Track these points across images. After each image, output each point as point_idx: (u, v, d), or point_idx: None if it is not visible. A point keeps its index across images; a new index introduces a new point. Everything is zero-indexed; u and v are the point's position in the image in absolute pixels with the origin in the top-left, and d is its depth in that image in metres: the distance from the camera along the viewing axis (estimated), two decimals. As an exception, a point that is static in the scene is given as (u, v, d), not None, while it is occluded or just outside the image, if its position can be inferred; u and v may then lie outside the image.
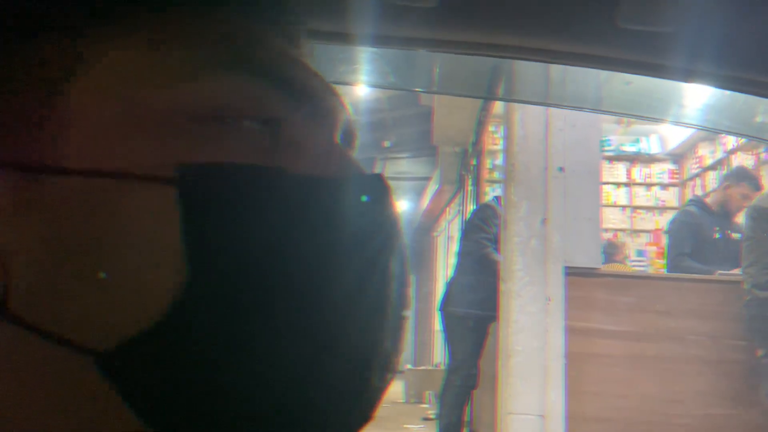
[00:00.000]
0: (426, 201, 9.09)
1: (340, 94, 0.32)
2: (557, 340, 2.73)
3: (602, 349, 2.77)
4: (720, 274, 3.06)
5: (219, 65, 0.28)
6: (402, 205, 10.49)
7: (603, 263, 3.72)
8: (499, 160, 4.85)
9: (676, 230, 3.33)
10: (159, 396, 0.25)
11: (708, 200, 3.39)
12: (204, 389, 0.25)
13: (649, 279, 3.19)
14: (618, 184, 6.61)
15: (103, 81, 0.27)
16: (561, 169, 2.87)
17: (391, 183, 0.30)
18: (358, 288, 0.27)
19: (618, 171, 6.55)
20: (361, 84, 0.83)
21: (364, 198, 0.29)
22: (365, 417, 0.29)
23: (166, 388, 0.25)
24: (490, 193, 4.89)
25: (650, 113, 1.02)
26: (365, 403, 0.28)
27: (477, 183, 5.22)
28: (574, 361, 2.73)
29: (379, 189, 0.29)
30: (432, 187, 8.47)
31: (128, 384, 0.25)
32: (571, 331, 2.74)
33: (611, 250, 3.86)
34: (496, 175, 4.95)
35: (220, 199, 0.26)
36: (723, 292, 2.83)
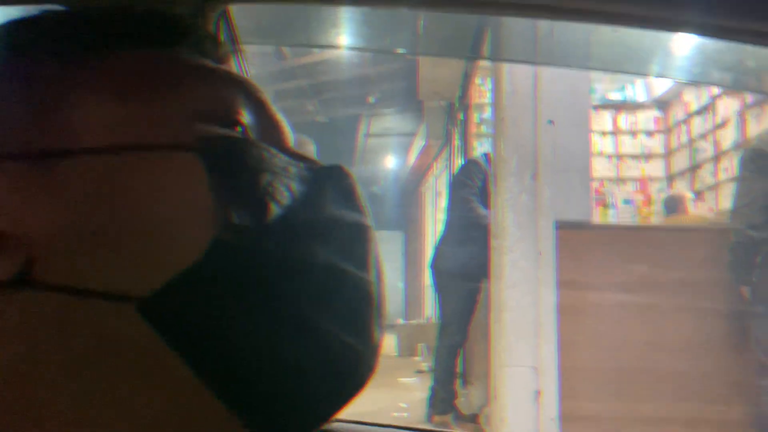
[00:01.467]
0: (413, 157, 9.05)
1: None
2: (549, 294, 2.75)
3: (593, 301, 2.80)
4: (708, 222, 3.09)
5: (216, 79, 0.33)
6: (389, 162, 10.43)
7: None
8: (486, 114, 4.81)
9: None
10: (197, 336, 0.27)
11: None
12: (236, 330, 0.28)
13: (639, 230, 3.22)
14: (604, 133, 6.62)
15: (108, 83, 0.31)
16: (551, 121, 2.85)
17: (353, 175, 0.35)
18: (338, 266, 0.31)
19: (604, 120, 6.56)
20: (342, 47, 0.80)
21: (332, 188, 0.33)
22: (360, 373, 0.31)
23: (203, 328, 0.28)
24: (478, 147, 4.86)
25: (638, 68, 1.00)
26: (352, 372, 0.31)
27: (464, 138, 5.19)
28: (566, 314, 2.77)
29: (343, 177, 0.34)
30: (418, 143, 8.42)
31: (169, 326, 0.27)
32: (562, 285, 2.76)
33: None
34: (483, 129, 4.91)
35: (239, 164, 0.30)
36: (714, 240, 2.87)
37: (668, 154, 6.46)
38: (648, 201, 5.76)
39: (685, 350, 2.79)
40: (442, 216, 5.33)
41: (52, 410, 0.27)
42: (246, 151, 0.30)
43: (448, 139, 6.40)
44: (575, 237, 2.80)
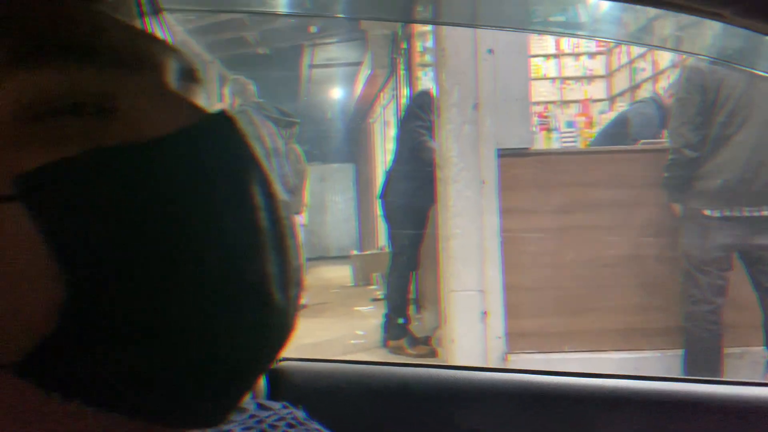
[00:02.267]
0: (359, 87, 8.93)
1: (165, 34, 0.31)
2: (493, 220, 2.85)
3: (534, 225, 2.92)
4: (643, 143, 3.21)
5: (37, 56, 0.26)
6: (335, 93, 10.27)
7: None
8: (429, 42, 4.77)
9: (638, 119, 3.44)
10: (80, 389, 0.26)
11: (664, 100, 3.44)
12: (119, 377, 0.26)
13: (576, 154, 3.32)
14: (547, 56, 6.63)
15: None
16: (490, 51, 2.86)
17: (243, 112, 0.30)
18: (226, 225, 0.27)
19: (546, 43, 6.56)
20: (276, 11, 0.79)
21: (209, 140, 0.28)
22: (272, 341, 0.29)
23: (84, 383, 0.26)
24: (423, 77, 4.85)
25: (580, 30, 1.02)
26: (267, 326, 0.28)
27: (409, 67, 5.15)
28: (509, 238, 2.88)
29: (224, 125, 0.29)
30: (364, 73, 8.29)
31: (48, 381, 0.26)
32: (505, 211, 2.86)
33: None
34: (427, 58, 4.88)
35: (74, 198, 0.25)
36: (647, 162, 2.99)
37: (610, 75, 6.56)
38: (590, 123, 5.88)
39: (621, 265, 2.96)
40: (391, 146, 5.35)
41: None
42: (78, 176, 0.25)
43: (393, 69, 6.33)
44: (516, 164, 2.88)
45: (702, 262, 2.67)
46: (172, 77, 0.31)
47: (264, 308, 0.28)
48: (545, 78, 6.60)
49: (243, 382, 0.29)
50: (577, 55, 6.66)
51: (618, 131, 3.50)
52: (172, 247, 0.26)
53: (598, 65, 6.67)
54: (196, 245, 0.26)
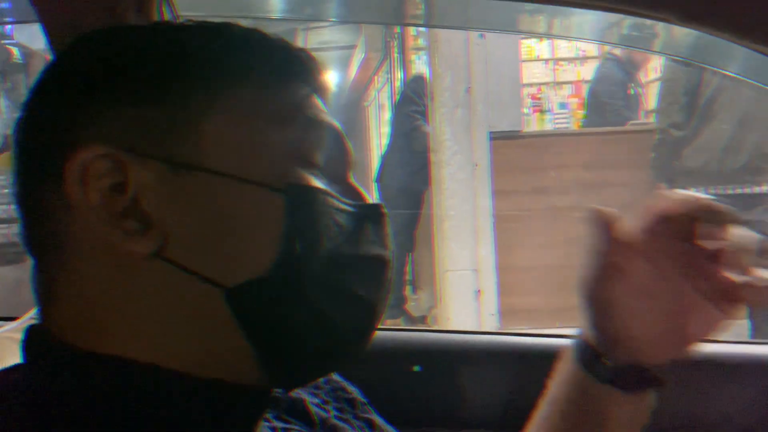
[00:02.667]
0: (353, 70, 8.94)
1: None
2: (485, 202, 2.93)
3: (526, 206, 3.00)
4: (632, 124, 3.29)
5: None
6: (329, 77, 10.27)
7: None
8: (423, 28, 4.80)
9: (605, 86, 3.51)
10: (266, 325, 0.38)
11: (621, 56, 3.52)
12: (294, 321, 0.39)
13: (566, 135, 3.39)
14: (540, 38, 6.65)
15: (235, 119, 0.39)
16: (481, 35, 2.92)
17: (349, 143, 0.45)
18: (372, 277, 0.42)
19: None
20: (271, 17, 0.85)
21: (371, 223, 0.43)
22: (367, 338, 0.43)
23: (271, 320, 0.38)
24: (416, 60, 4.89)
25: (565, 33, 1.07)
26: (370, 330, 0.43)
27: (402, 51, 5.19)
28: (501, 219, 2.96)
29: (380, 213, 0.44)
30: (358, 56, 8.30)
31: (245, 313, 0.38)
32: (498, 193, 2.94)
33: None
34: (421, 41, 4.92)
35: (310, 209, 0.39)
36: (635, 142, 3.06)
37: (602, 56, 6.59)
38: (583, 104, 5.92)
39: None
40: (386, 130, 5.40)
41: (144, 337, 0.38)
42: (317, 199, 0.39)
43: (387, 52, 6.36)
44: (507, 146, 2.95)
45: (688, 239, 2.75)
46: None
47: (370, 317, 0.42)
48: (538, 59, 6.61)
49: (344, 360, 0.43)
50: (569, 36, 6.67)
51: (596, 108, 3.57)
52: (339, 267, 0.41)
53: (591, 46, 6.68)
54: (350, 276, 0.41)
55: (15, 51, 3.63)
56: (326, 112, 0.43)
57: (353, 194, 0.43)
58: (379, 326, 0.44)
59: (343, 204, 0.41)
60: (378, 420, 0.53)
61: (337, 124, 0.44)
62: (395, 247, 0.45)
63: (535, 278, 3.00)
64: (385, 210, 0.44)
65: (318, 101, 0.43)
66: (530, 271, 3.00)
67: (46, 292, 0.40)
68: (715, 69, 0.82)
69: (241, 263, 0.38)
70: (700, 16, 0.54)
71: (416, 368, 0.81)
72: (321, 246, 0.39)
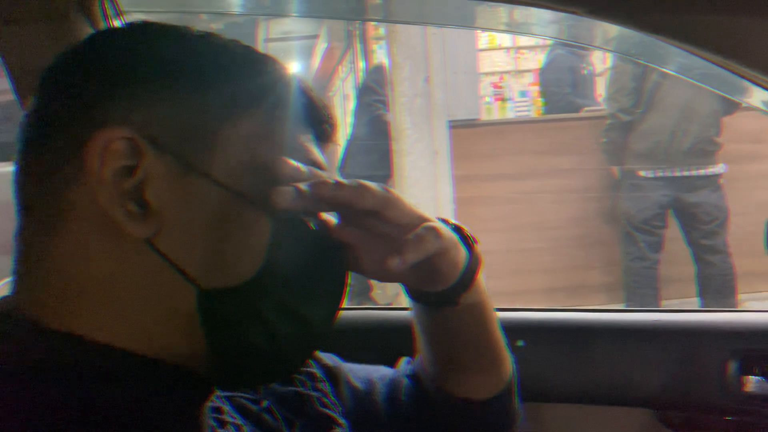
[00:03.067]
0: (317, 60, 8.91)
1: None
2: (446, 189, 3.00)
3: (485, 192, 3.08)
4: (586, 110, 3.39)
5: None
6: (293, 67, 10.21)
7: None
8: (382, 23, 4.82)
9: (552, 73, 3.61)
10: (227, 331, 0.42)
11: None
12: (250, 329, 0.42)
13: (523, 123, 3.48)
14: (501, 32, 6.70)
15: (247, 136, 0.43)
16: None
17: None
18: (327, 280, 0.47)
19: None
20: (232, 12, 0.87)
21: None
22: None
23: (232, 327, 0.42)
24: (378, 50, 4.92)
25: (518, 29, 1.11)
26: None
27: (364, 40, 5.21)
28: (462, 205, 3.03)
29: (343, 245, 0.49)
30: (321, 46, 8.28)
31: (209, 314, 0.41)
32: (458, 179, 3.01)
33: None
34: (381, 31, 4.95)
35: (289, 236, 0.43)
36: (588, 128, 3.16)
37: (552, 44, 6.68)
38: (539, 92, 6.00)
39: (566, 227, 3.15)
40: (350, 120, 5.42)
41: (111, 319, 0.40)
42: (300, 232, 0.44)
43: (350, 42, 6.37)
44: (466, 134, 3.02)
45: (638, 220, 2.87)
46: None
47: (318, 332, 0.46)
48: (500, 48, 6.67)
49: (288, 371, 0.49)
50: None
51: (547, 96, 3.67)
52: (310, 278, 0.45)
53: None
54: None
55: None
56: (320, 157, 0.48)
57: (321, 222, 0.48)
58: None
59: (326, 240, 0.46)
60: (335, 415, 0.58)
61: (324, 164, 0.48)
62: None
63: (496, 262, 3.08)
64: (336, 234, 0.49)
65: (316, 148, 0.48)
66: (491, 255, 3.07)
67: (28, 258, 0.41)
68: (656, 67, 0.89)
69: (223, 271, 0.41)
70: (604, 9, 0.59)
71: (519, 343, 0.86)
72: (293, 271, 0.43)
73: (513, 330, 0.90)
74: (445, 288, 0.53)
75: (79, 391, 0.39)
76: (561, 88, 3.53)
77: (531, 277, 3.12)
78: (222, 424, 0.48)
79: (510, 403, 0.64)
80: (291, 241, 0.43)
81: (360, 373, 0.65)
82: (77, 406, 0.38)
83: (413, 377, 0.65)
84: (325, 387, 0.60)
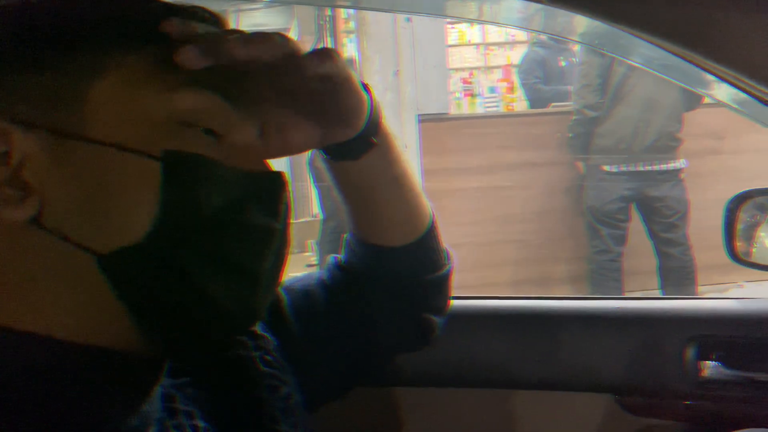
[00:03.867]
0: (286, 53, 8.82)
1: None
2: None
3: (455, 185, 3.10)
4: (553, 106, 3.43)
5: (195, 85, 0.41)
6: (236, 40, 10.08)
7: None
8: (353, 10, 4.81)
9: (526, 69, 3.68)
10: (141, 293, 0.39)
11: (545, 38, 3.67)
12: (172, 291, 0.39)
13: (491, 118, 3.51)
14: (471, 22, 6.74)
15: (117, 86, 0.39)
16: (408, 19, 2.98)
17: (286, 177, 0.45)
18: (254, 240, 0.42)
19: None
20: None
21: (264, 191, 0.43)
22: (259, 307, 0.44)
23: (146, 288, 0.39)
24: (348, 44, 4.90)
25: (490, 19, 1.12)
26: (259, 299, 0.43)
27: (334, 34, 5.18)
28: (432, 198, 3.03)
29: (278, 184, 0.44)
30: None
31: (118, 281, 0.39)
32: (427, 173, 3.02)
33: None
34: (352, 25, 4.93)
35: (183, 174, 0.39)
36: (556, 123, 3.20)
37: (530, 40, 6.76)
38: (512, 88, 6.06)
39: (533, 221, 3.19)
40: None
41: (24, 305, 0.39)
42: (198, 166, 0.39)
43: (320, 35, 6.32)
44: (436, 128, 3.04)
45: (603, 214, 2.93)
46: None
47: (253, 288, 0.42)
48: (469, 44, 6.70)
49: (229, 331, 0.45)
50: (499, 21, 6.78)
51: (530, 90, 3.73)
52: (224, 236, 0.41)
53: (520, 32, 6.84)
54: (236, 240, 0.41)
55: None
56: (226, 78, 0.42)
57: (252, 163, 0.43)
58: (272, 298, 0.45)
59: (233, 173, 0.41)
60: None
61: (231, 94, 0.42)
62: (290, 219, 0.45)
63: (464, 254, 3.10)
64: (283, 179, 0.44)
65: (217, 69, 0.41)
66: (459, 248, 3.09)
67: None
68: (623, 59, 0.90)
69: (115, 230, 0.38)
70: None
71: None
72: (200, 214, 0.39)
73: (477, 317, 0.92)
74: (358, 133, 0.52)
75: (7, 386, 0.38)
76: (533, 81, 3.59)
77: (498, 269, 3.15)
78: (173, 413, 0.45)
79: (430, 250, 0.64)
80: (188, 180, 0.39)
81: (297, 286, 0.63)
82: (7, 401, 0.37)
83: (339, 259, 0.65)
84: (267, 343, 0.56)
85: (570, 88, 3.41)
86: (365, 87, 0.53)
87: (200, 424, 0.46)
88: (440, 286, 0.66)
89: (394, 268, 0.62)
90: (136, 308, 0.40)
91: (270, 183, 0.44)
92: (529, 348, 0.90)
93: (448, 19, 3.44)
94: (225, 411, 0.50)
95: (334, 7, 3.56)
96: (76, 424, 0.38)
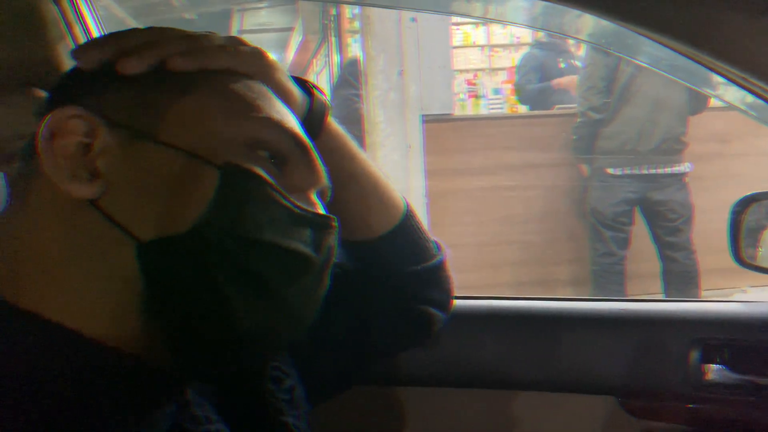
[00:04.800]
0: (291, 53, 8.85)
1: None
2: (419, 182, 3.01)
3: (458, 186, 3.09)
4: (557, 108, 3.42)
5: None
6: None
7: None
8: (357, 8, 4.81)
9: (523, 71, 3.67)
10: (169, 286, 0.40)
11: (545, 39, 3.67)
12: (197, 293, 0.41)
13: (494, 119, 3.51)
14: (476, 24, 6.74)
15: (200, 103, 0.44)
16: (413, 19, 2.97)
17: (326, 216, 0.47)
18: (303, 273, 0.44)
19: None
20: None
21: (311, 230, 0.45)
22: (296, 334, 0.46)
23: (172, 285, 0.40)
24: (353, 43, 4.90)
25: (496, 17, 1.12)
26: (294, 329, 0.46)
27: (339, 33, 5.19)
28: (435, 199, 3.04)
29: (326, 225, 0.46)
30: (296, 39, 8.23)
31: (151, 269, 0.40)
32: (430, 173, 3.02)
33: None
34: (356, 24, 4.93)
35: (235, 186, 0.42)
36: (559, 125, 3.20)
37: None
38: (515, 90, 6.04)
39: (536, 222, 3.18)
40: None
41: (56, 287, 0.41)
42: (251, 183, 0.42)
43: (324, 35, 6.33)
44: (440, 129, 3.03)
45: (606, 217, 2.92)
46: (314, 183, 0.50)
47: (282, 311, 0.44)
48: (474, 46, 6.70)
49: (246, 352, 0.45)
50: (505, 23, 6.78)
51: (526, 93, 3.73)
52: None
53: (525, 33, 6.83)
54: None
55: None
56: (287, 118, 0.47)
57: (308, 204, 0.46)
58: (307, 330, 0.46)
59: (285, 201, 0.44)
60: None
61: (305, 139, 0.47)
62: (331, 260, 0.47)
63: (467, 255, 3.11)
64: (332, 224, 0.46)
65: (281, 107, 0.47)
66: (462, 249, 3.10)
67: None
68: (630, 59, 0.90)
69: (161, 221, 0.40)
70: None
71: None
72: (242, 226, 0.41)
73: (479, 317, 0.92)
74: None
75: (32, 382, 0.38)
76: (528, 84, 3.60)
77: (500, 270, 3.15)
78: (185, 406, 0.45)
79: (408, 241, 0.65)
80: (239, 192, 0.42)
81: None
82: (29, 398, 0.37)
83: None
84: (291, 381, 0.56)
85: (555, 84, 3.44)
86: (304, 86, 0.57)
87: (213, 416, 0.47)
88: (430, 277, 0.67)
89: (371, 261, 0.63)
90: (160, 305, 0.41)
91: (319, 221, 0.46)
92: (531, 349, 0.90)
93: (454, 18, 3.43)
94: (232, 401, 0.50)
95: (338, 3, 3.55)
96: (79, 424, 0.38)
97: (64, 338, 0.39)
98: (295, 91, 0.54)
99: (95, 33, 0.77)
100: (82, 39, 0.73)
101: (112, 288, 0.40)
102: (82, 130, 0.42)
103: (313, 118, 0.56)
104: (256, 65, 0.49)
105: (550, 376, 0.88)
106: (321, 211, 0.47)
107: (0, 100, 0.69)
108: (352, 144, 0.61)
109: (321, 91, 0.58)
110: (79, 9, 0.74)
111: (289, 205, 0.43)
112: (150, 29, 0.48)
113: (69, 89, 0.46)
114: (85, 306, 0.40)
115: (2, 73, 0.70)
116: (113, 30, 0.49)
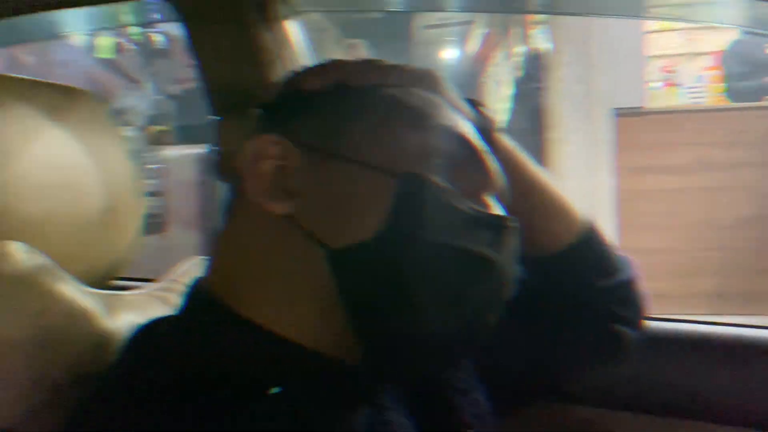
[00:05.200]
0: (472, 45, 8.83)
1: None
2: (607, 180, 2.83)
3: (652, 185, 2.86)
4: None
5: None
6: (448, 53, 10.20)
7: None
8: (543, 16, 4.64)
9: (726, 58, 3.32)
10: (360, 290, 0.44)
11: None
12: (387, 295, 0.44)
13: (694, 112, 3.18)
14: (671, 21, 6.19)
15: (380, 121, 0.48)
16: (604, 7, 2.80)
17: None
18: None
19: (675, -10, 6.11)
20: (390, 10, 0.89)
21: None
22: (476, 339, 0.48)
23: (364, 288, 0.44)
24: (536, 35, 4.75)
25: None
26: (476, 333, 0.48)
27: (522, 24, 5.06)
28: (625, 198, 2.85)
29: (503, 225, 0.48)
30: (477, 31, 8.18)
31: (342, 275, 0.44)
32: (622, 170, 2.83)
33: None
34: (540, 15, 4.76)
35: (413, 193, 0.45)
36: (771, 118, 2.83)
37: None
38: (721, 78, 5.46)
39: (741, 227, 2.84)
40: (502, 105, 5.31)
41: (262, 297, 0.45)
42: (428, 189, 0.45)
43: (507, 27, 6.22)
44: (632, 123, 2.82)
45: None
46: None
47: (465, 314, 0.46)
48: (671, 29, 6.17)
49: (436, 353, 0.48)
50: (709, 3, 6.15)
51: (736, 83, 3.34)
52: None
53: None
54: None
55: (160, 37, 3.97)
56: (460, 125, 0.49)
57: (484, 207, 0.48)
58: (490, 331, 0.46)
59: (463, 205, 0.46)
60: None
61: (479, 144, 0.49)
62: (515, 262, 0.48)
63: (660, 262, 2.86)
64: (510, 223, 0.48)
65: (454, 117, 0.49)
66: (655, 254, 2.86)
67: (212, 249, 0.49)
68: None
69: (349, 230, 0.44)
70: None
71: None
72: (425, 231, 0.44)
73: (676, 342, 0.82)
74: None
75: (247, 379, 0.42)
76: (744, 69, 3.21)
77: (699, 280, 2.86)
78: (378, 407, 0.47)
79: (590, 254, 0.62)
80: (417, 198, 0.44)
81: None
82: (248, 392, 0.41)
83: None
84: (477, 394, 0.57)
85: None
86: (471, 102, 0.57)
87: (405, 421, 0.49)
88: (621, 292, 0.64)
89: (557, 276, 0.62)
90: (353, 309, 0.44)
91: (496, 222, 0.47)
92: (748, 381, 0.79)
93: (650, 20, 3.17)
94: (422, 409, 0.52)
95: (524, 13, 3.47)
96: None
97: (275, 345, 0.44)
98: (464, 104, 0.56)
99: (304, 56, 0.82)
100: (290, 62, 0.79)
101: (311, 294, 0.44)
102: (279, 155, 0.46)
103: (481, 133, 0.56)
104: (428, 81, 0.52)
105: (698, 402, 0.79)
106: (498, 212, 0.48)
107: (229, 120, 0.79)
108: (523, 157, 0.60)
109: (487, 108, 0.59)
110: (284, 22, 0.79)
111: (465, 208, 0.45)
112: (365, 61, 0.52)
113: (269, 116, 0.51)
114: (289, 312, 0.44)
115: (228, 96, 0.79)
116: (320, 50, 0.52)
